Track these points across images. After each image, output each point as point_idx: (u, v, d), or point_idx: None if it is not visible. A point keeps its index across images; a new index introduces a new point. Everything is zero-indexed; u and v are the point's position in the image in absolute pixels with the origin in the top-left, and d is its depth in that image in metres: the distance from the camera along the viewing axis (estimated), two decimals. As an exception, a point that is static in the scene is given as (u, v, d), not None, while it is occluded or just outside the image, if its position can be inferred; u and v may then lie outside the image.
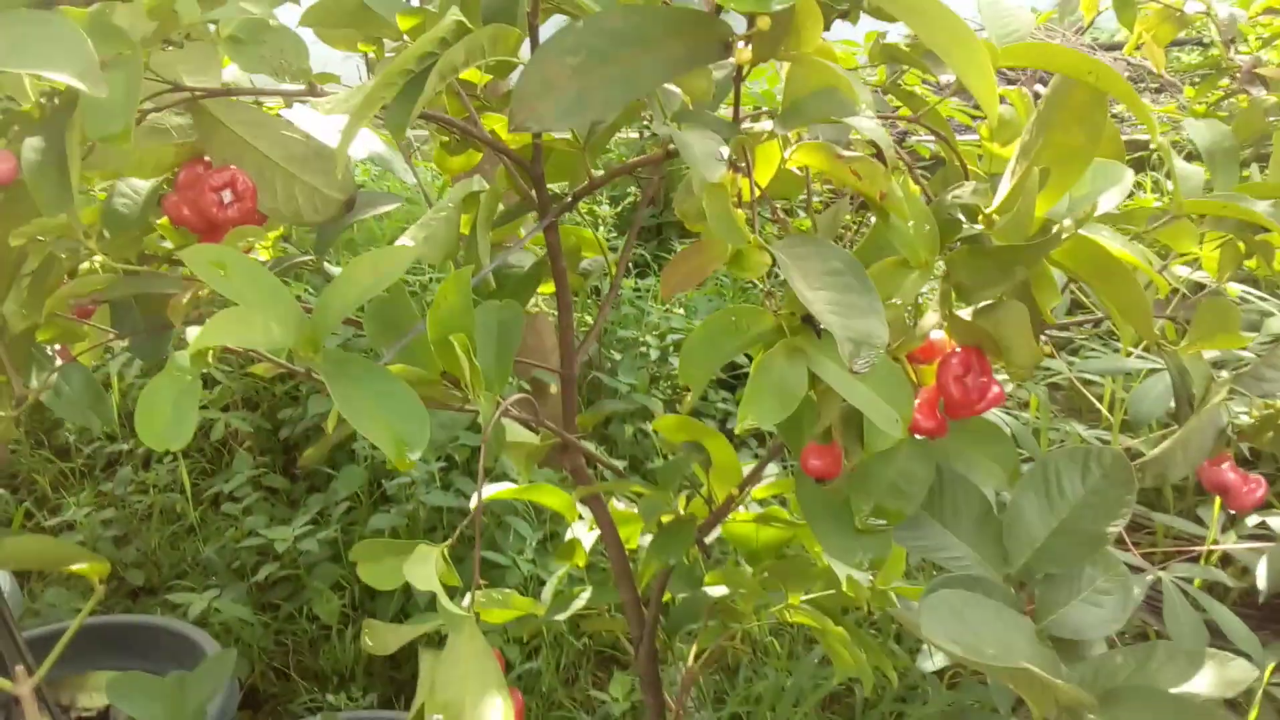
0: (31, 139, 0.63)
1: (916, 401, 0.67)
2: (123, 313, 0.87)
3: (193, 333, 0.66)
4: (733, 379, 2.36)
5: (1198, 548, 1.50)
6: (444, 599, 0.64)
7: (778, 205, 0.68)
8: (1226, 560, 1.58)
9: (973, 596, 0.64)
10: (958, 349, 0.66)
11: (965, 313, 0.67)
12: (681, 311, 2.28)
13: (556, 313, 0.89)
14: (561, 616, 1.10)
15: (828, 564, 1.11)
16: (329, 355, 0.57)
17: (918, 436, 0.71)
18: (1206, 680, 0.64)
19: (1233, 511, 0.96)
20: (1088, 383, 1.80)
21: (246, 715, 1.82)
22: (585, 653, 1.90)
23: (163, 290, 0.69)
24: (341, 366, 0.57)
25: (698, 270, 0.57)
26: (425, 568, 0.65)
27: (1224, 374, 0.89)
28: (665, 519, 0.91)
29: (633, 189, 2.67)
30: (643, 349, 2.17)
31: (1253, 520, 1.48)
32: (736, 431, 0.57)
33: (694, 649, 1.20)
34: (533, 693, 1.77)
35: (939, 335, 0.68)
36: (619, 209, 2.58)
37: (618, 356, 2.15)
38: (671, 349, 2.19)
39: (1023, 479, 0.77)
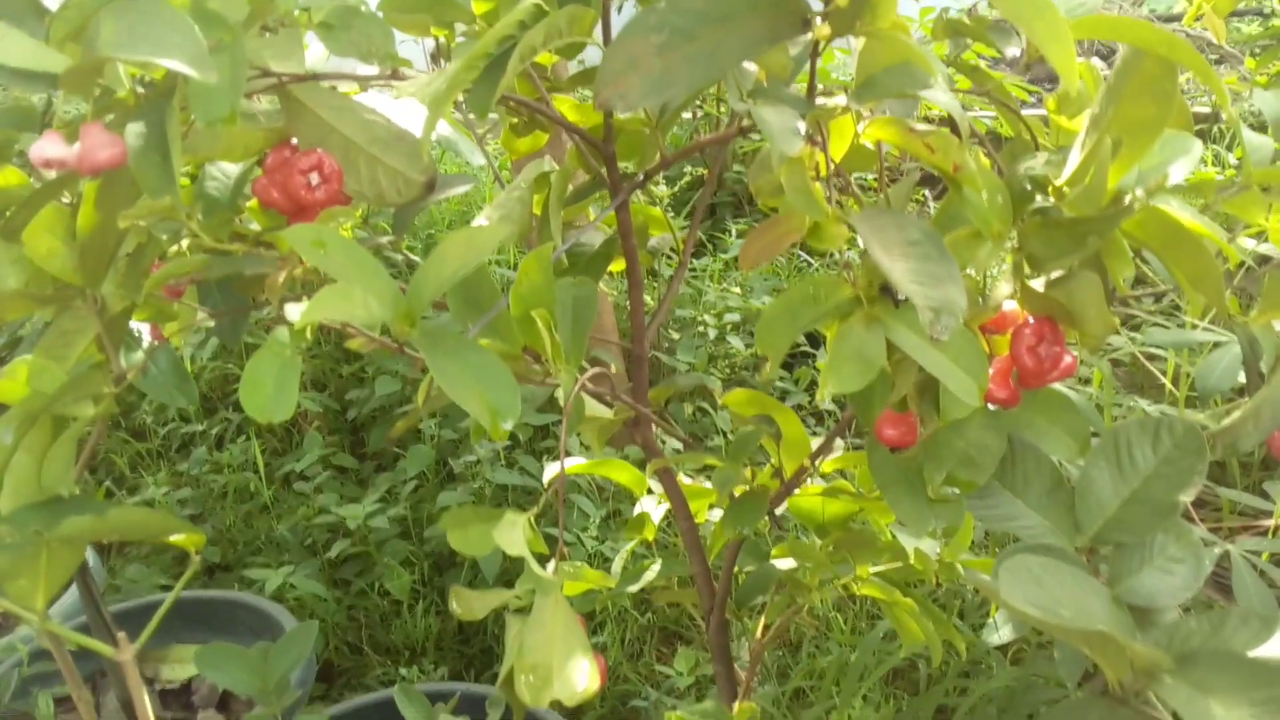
0: (133, 125, 0.65)
1: (990, 371, 0.68)
2: (206, 295, 0.90)
3: (290, 310, 0.69)
4: (790, 359, 2.37)
5: (1265, 522, 1.49)
6: (533, 564, 0.66)
7: (851, 180, 0.69)
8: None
9: (1050, 561, 0.65)
10: (1030, 319, 0.67)
11: (1038, 283, 0.68)
12: (738, 290, 2.29)
13: (618, 292, 0.91)
14: (633, 588, 1.12)
15: (893, 538, 1.12)
16: (424, 330, 0.60)
17: (991, 406, 0.72)
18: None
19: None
20: (1151, 357, 1.79)
21: (321, 688, 1.87)
22: (649, 628, 1.93)
23: (258, 270, 0.72)
24: (437, 340, 0.60)
25: (776, 242, 0.58)
26: (514, 533, 0.68)
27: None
28: (738, 491, 0.93)
29: (688, 169, 2.69)
30: (700, 328, 2.19)
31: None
32: (818, 399, 0.59)
33: (761, 623, 1.22)
34: (598, 667, 1.80)
35: (1011, 306, 0.69)
36: (674, 189, 2.60)
37: (676, 336, 2.17)
38: (729, 328, 2.21)
39: (1094, 449, 0.78)
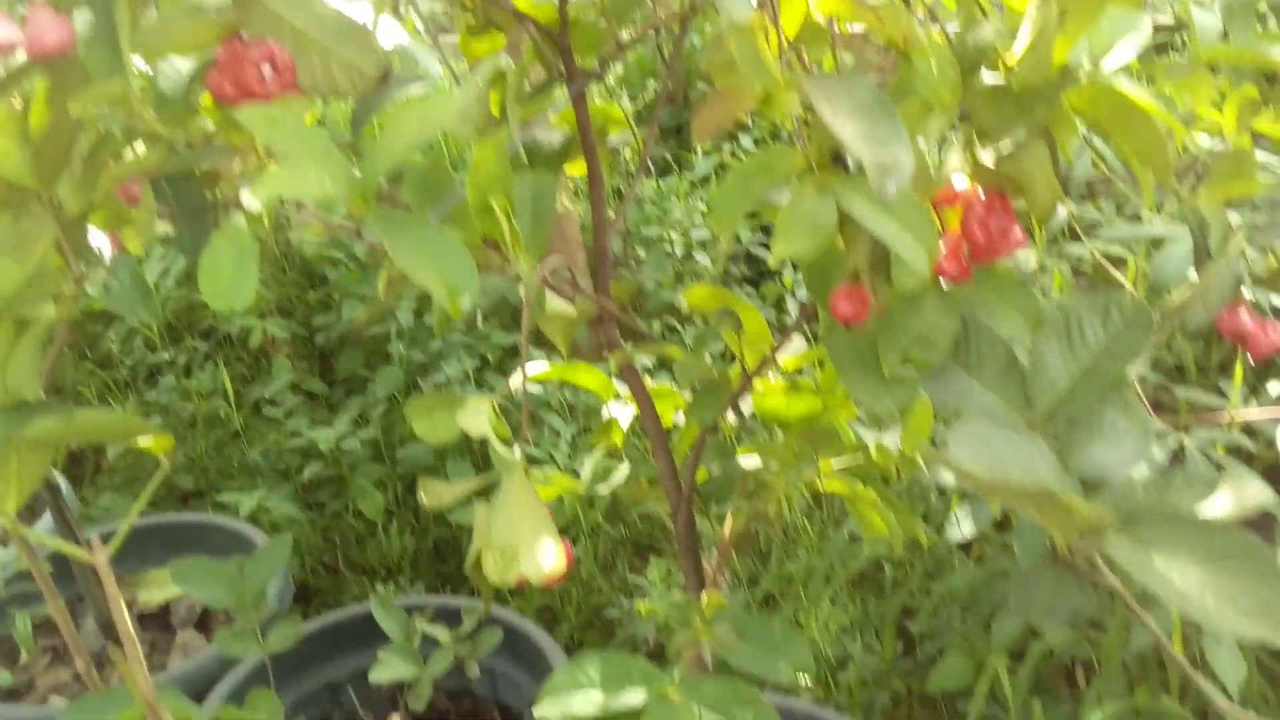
0: (80, 13, 0.65)
1: (942, 247, 0.69)
2: (162, 201, 0.90)
3: (246, 196, 0.69)
4: (757, 275, 2.38)
5: (1219, 416, 1.52)
6: (496, 444, 0.67)
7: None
8: (1250, 434, 1.60)
9: (999, 429, 0.67)
10: (981, 194, 0.68)
11: (988, 159, 0.69)
12: (703, 206, 2.30)
13: (584, 212, 0.92)
14: (602, 489, 1.14)
15: (855, 437, 1.14)
16: (379, 210, 0.60)
17: (944, 285, 0.74)
18: (1224, 501, 0.67)
19: (1253, 360, 0.97)
20: (1114, 262, 1.81)
21: (299, 610, 1.89)
22: (622, 542, 1.96)
23: (213, 161, 0.72)
24: (393, 220, 0.60)
25: (728, 112, 0.59)
26: (478, 417, 0.69)
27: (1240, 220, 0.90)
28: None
29: (652, 82, 2.67)
30: (667, 246, 2.20)
31: (1276, 390, 1.50)
32: (770, 264, 0.60)
33: (728, 524, 1.24)
34: (572, 579, 1.83)
35: (963, 184, 0.70)
36: (637, 105, 2.59)
37: (643, 254, 2.17)
38: (695, 245, 2.21)
39: (1046, 328, 0.80)
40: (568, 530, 1.88)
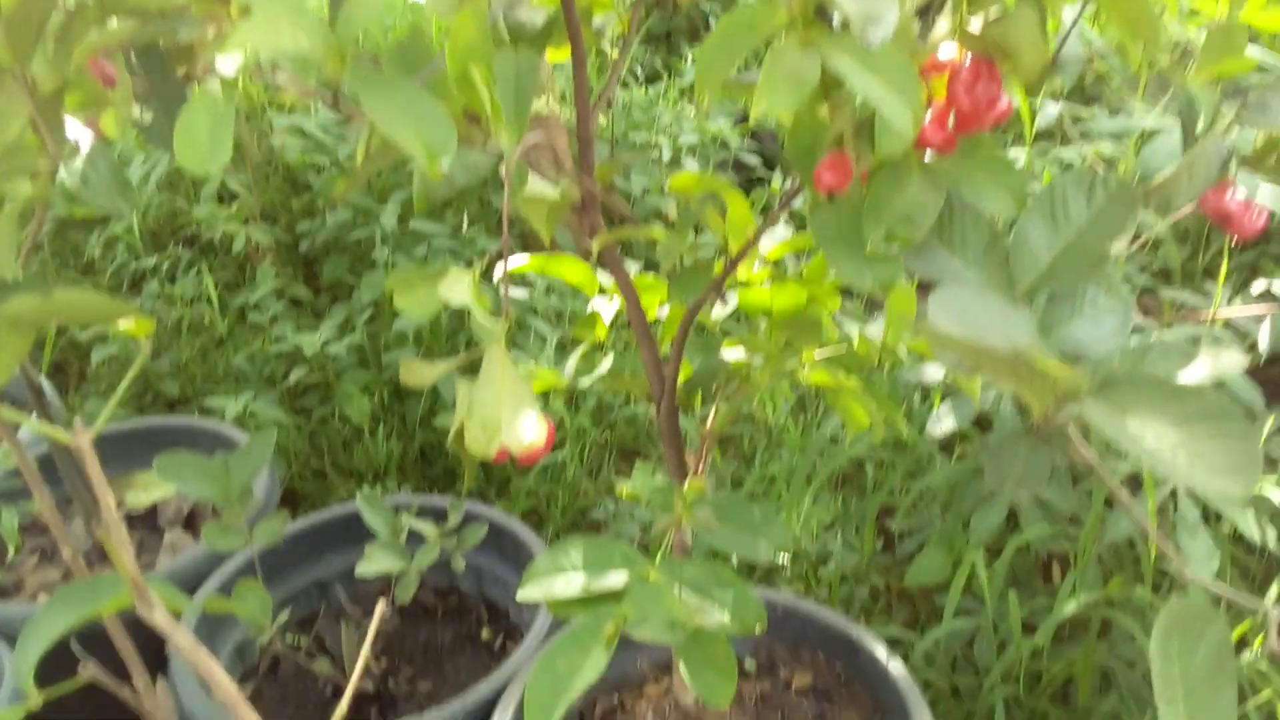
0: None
1: (928, 115, 0.69)
2: (138, 81, 0.88)
3: (220, 61, 0.67)
4: (746, 182, 2.36)
5: (1202, 314, 1.53)
6: (478, 313, 0.67)
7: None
8: (1235, 333, 1.61)
9: (980, 297, 0.67)
10: (968, 60, 0.68)
11: (976, 26, 0.68)
12: (691, 111, 2.27)
13: (559, 110, 0.90)
14: (586, 382, 1.14)
15: (836, 333, 1.14)
16: (357, 69, 0.59)
17: (928, 159, 0.73)
18: (1200, 369, 0.68)
19: (1236, 241, 0.97)
20: (1102, 160, 1.81)
21: (286, 512, 1.90)
22: (608, 447, 1.97)
23: (187, 32, 0.70)
24: (370, 80, 0.59)
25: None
26: (460, 288, 0.69)
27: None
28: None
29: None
30: (655, 153, 2.18)
31: (1259, 288, 1.50)
32: (751, 117, 0.59)
33: (711, 416, 1.25)
34: (559, 482, 1.85)
35: (951, 52, 0.69)
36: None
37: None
38: (684, 150, 2.20)
39: (1030, 205, 0.80)
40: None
